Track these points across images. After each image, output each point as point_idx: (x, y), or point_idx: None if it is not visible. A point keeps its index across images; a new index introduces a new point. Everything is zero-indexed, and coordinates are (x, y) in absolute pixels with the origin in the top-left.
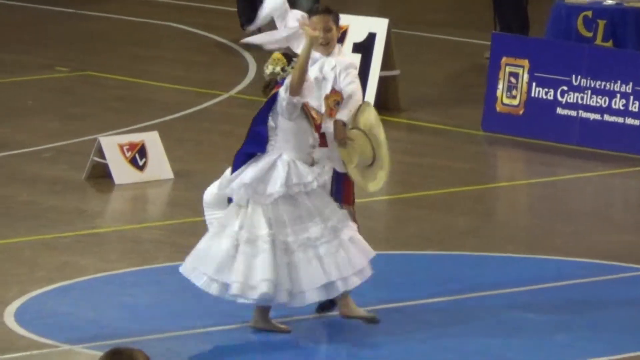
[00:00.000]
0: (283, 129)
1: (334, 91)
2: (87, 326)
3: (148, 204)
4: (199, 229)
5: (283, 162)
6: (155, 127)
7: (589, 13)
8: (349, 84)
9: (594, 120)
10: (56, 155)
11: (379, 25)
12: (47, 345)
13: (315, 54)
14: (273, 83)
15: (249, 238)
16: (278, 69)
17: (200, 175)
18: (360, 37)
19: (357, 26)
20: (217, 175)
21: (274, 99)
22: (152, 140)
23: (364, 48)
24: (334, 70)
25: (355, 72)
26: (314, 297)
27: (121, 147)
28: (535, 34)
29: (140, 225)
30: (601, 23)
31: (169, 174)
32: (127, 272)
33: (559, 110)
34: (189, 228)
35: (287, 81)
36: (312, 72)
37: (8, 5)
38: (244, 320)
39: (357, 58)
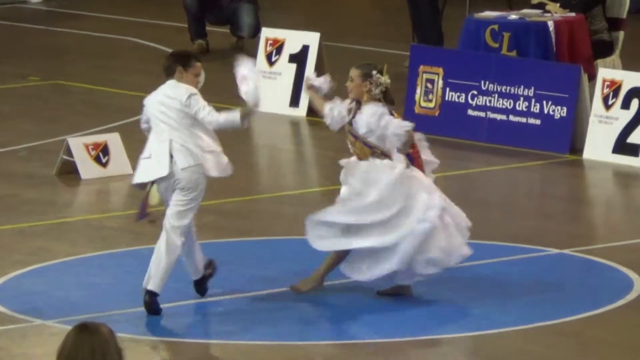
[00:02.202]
0: None
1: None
2: (58, 304)
3: (111, 196)
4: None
5: None
6: (116, 128)
7: (496, 26)
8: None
9: (501, 120)
10: (30, 154)
11: (312, 39)
12: (22, 321)
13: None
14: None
15: None
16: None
17: None
18: (295, 49)
19: (293, 39)
20: None
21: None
22: (114, 140)
23: (298, 59)
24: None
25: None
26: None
27: (87, 146)
28: (448, 45)
29: (104, 214)
30: (506, 35)
31: (129, 170)
32: (93, 256)
33: (470, 112)
34: None
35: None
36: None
37: None
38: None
39: (292, 68)
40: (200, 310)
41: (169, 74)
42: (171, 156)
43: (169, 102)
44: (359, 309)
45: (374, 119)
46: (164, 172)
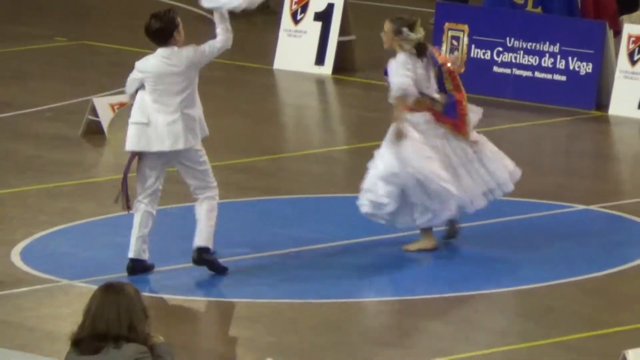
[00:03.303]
0: None
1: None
2: (84, 263)
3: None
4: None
5: None
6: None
7: None
8: None
9: (526, 77)
10: (56, 114)
11: None
12: (49, 281)
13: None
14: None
15: None
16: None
17: None
18: (321, 7)
19: None
20: None
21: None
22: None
23: (324, 16)
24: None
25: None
26: None
27: (112, 106)
28: (474, 2)
29: (131, 174)
30: None
31: None
32: (119, 216)
33: (495, 69)
34: (173, 174)
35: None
36: None
37: None
38: (220, 256)
39: (317, 26)
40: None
41: (164, 39)
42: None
43: (173, 69)
44: (383, 267)
45: (391, 75)
46: (173, 146)
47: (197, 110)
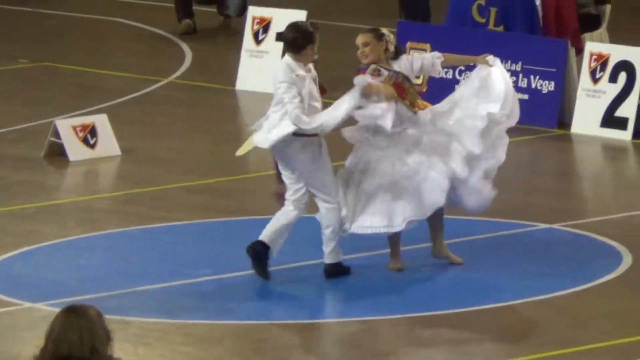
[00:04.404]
0: None
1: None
2: (47, 286)
3: (99, 178)
4: (145, 199)
5: None
6: (104, 110)
7: (482, 1)
8: None
9: None
10: (19, 136)
11: (299, 16)
12: (12, 304)
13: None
14: None
15: None
16: None
17: (144, 152)
18: (282, 27)
19: (280, 18)
20: (159, 150)
21: None
22: (102, 122)
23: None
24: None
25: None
26: None
27: (74, 128)
28: (435, 20)
29: (93, 196)
30: (493, 10)
31: (117, 151)
32: (81, 238)
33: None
34: (135, 198)
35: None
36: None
37: None
38: (183, 277)
39: (279, 46)
40: (189, 290)
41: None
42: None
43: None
44: (348, 287)
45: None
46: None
47: None
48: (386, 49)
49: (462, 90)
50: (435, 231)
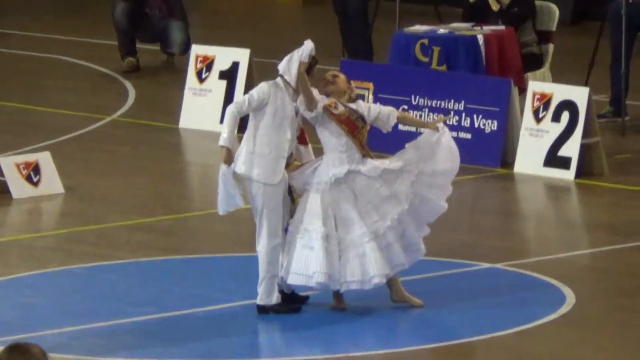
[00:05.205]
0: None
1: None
2: None
3: (42, 216)
4: (88, 237)
5: None
6: (47, 147)
7: (426, 41)
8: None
9: None
10: None
11: (242, 55)
12: None
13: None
14: None
15: None
16: None
17: (87, 189)
18: (226, 65)
19: (223, 56)
20: (102, 188)
21: None
22: (45, 159)
23: (229, 75)
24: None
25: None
26: None
27: (18, 165)
28: (378, 59)
29: (36, 234)
30: (436, 49)
31: (60, 189)
32: (25, 276)
33: (401, 127)
34: (78, 236)
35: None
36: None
37: None
38: (126, 315)
39: (222, 84)
40: (133, 328)
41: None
42: None
43: None
44: (292, 326)
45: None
46: None
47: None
48: (350, 92)
49: (410, 156)
50: (390, 277)
